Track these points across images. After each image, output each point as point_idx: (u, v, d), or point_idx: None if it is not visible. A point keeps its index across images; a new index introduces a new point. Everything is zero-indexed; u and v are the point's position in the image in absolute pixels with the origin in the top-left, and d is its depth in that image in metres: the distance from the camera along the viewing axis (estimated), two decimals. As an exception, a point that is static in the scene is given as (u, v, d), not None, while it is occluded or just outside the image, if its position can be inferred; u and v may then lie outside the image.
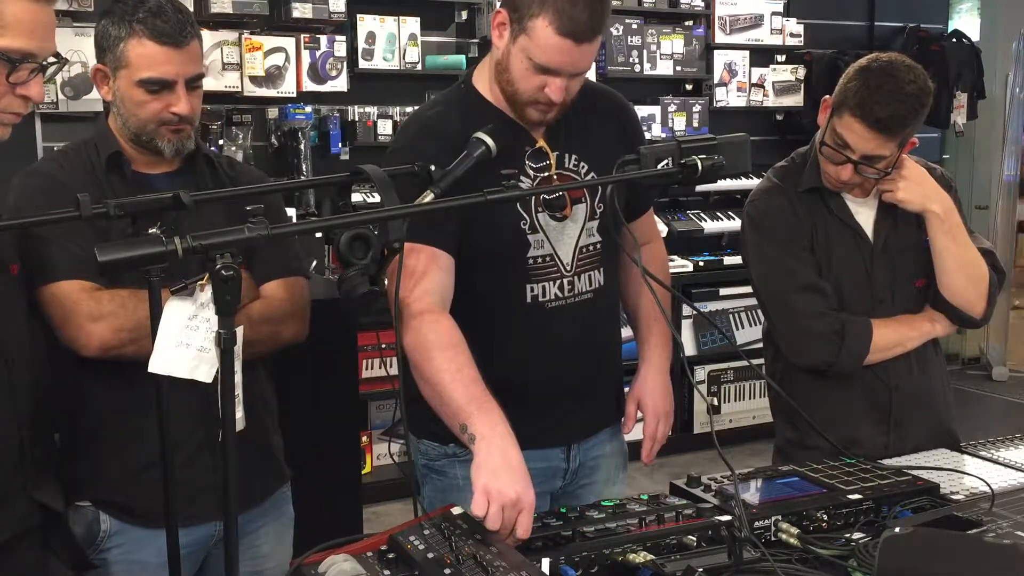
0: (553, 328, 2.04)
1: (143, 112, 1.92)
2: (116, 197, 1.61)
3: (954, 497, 1.87)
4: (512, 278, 2.01)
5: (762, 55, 6.02)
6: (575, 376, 2.08)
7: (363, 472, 4.66)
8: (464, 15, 5.22)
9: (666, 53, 5.66)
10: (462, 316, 1.85)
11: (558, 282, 2.03)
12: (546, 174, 2.02)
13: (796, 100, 6.08)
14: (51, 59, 1.62)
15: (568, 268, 2.04)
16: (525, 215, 2.00)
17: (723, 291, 5.60)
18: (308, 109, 4.78)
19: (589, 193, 2.06)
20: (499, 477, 1.61)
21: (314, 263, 4.55)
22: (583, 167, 2.06)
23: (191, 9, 4.40)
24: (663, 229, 5.52)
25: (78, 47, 4.14)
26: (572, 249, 2.04)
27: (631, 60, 5.55)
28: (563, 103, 1.93)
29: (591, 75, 2.14)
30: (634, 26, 5.54)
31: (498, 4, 1.98)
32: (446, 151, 1.87)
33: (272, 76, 4.71)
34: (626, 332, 2.26)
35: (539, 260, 2.01)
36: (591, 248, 2.07)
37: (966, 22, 7.04)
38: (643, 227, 2.25)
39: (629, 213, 2.13)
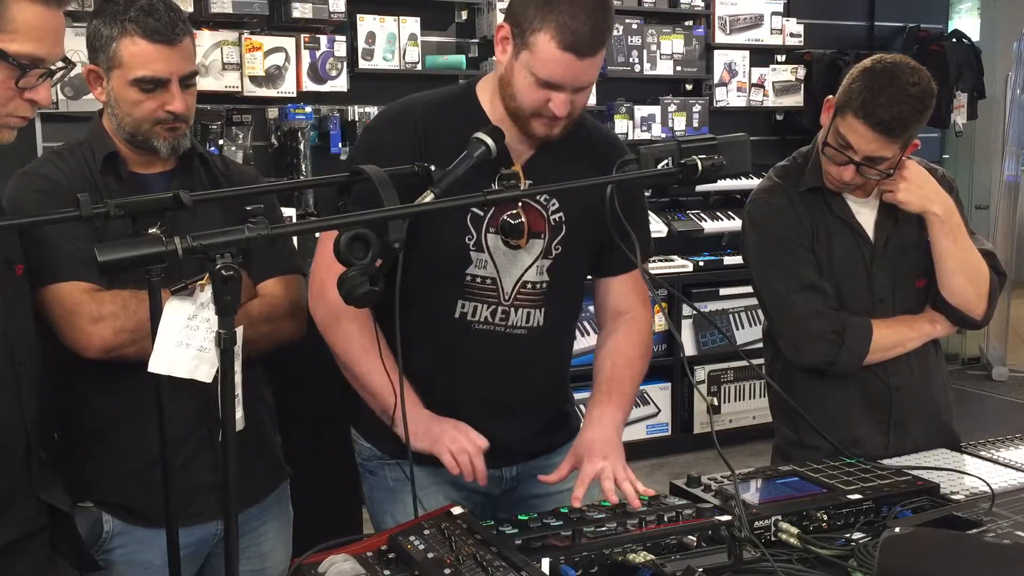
0: (476, 350, 1.99)
1: (138, 112, 1.91)
2: (112, 198, 1.60)
3: (954, 497, 1.87)
4: (444, 289, 1.97)
5: (762, 55, 6.02)
6: (499, 400, 2.02)
7: (363, 472, 4.65)
8: (464, 15, 5.22)
9: (666, 53, 5.66)
10: (390, 319, 1.78)
11: (492, 307, 1.98)
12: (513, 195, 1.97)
13: (796, 100, 6.08)
14: (59, 63, 1.61)
15: (507, 297, 1.99)
16: (473, 231, 1.95)
17: (723, 291, 5.60)
18: (308, 109, 4.78)
19: (551, 232, 2.00)
20: (435, 428, 1.88)
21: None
22: (553, 204, 2.00)
23: (191, 9, 4.45)
24: (663, 229, 5.52)
25: (78, 47, 4.12)
26: (516, 280, 1.99)
27: (631, 60, 5.55)
28: (569, 117, 1.90)
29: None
30: (634, 26, 5.54)
31: (501, 17, 1.95)
32: (409, 144, 1.91)
33: (272, 76, 4.71)
34: (583, 344, 2.15)
35: (478, 279, 1.97)
36: (536, 286, 2.01)
37: (966, 22, 7.05)
38: (618, 293, 2.11)
39: (597, 270, 2.10)
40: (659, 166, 1.69)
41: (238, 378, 1.40)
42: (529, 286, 2.00)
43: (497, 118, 1.94)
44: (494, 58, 2.02)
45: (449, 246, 1.95)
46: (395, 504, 2.02)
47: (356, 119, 4.86)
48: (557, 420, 2.17)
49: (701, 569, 1.51)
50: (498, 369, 2.01)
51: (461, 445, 1.86)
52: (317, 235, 2.04)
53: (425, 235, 1.91)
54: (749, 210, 2.35)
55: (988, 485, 1.88)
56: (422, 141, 1.93)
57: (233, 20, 4.63)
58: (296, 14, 4.68)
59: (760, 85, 5.98)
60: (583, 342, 2.13)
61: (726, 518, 1.66)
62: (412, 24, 4.97)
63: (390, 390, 1.85)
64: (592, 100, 5.30)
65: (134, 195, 1.72)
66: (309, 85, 4.76)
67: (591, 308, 2.20)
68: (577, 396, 2.20)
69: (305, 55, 4.75)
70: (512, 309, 2.00)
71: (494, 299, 1.98)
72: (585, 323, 2.15)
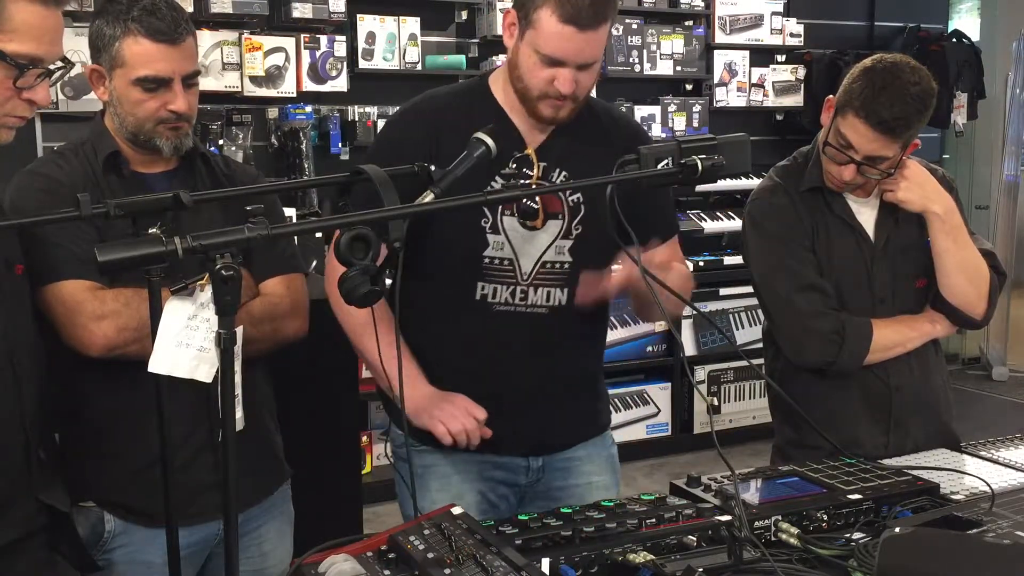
0: (498, 331, 2.02)
1: (140, 111, 1.92)
2: (114, 197, 1.61)
3: (954, 497, 1.87)
4: (463, 273, 2.01)
5: (762, 55, 6.02)
6: (525, 386, 2.04)
7: (363, 472, 4.66)
8: (464, 15, 5.22)
9: (666, 53, 5.66)
10: (409, 305, 1.80)
11: (511, 288, 2.02)
12: (525, 182, 2.01)
13: (796, 100, 6.08)
14: (57, 63, 1.61)
15: (526, 277, 2.02)
16: (488, 214, 1.99)
17: (723, 291, 5.60)
18: (308, 109, 4.79)
19: (569, 213, 2.03)
20: (430, 405, 1.95)
21: (314, 263, 4.55)
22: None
23: (191, 9, 4.45)
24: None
25: (78, 47, 4.12)
26: (535, 260, 2.02)
27: (631, 60, 5.55)
28: (575, 97, 1.94)
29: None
30: (634, 26, 5.54)
31: (501, 17, 1.99)
32: (424, 139, 1.97)
33: (272, 76, 4.71)
34: (617, 335, 2.17)
35: (495, 261, 2.00)
36: (557, 266, 2.03)
37: (966, 22, 7.05)
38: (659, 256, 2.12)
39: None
40: (659, 166, 1.69)
41: (238, 378, 1.40)
42: (549, 265, 2.04)
43: (509, 106, 2.00)
44: (495, 58, 2.06)
45: (466, 230, 1.99)
46: (419, 491, 2.03)
47: (356, 119, 4.86)
48: (584, 413, 2.19)
49: (701, 569, 1.51)
50: (520, 351, 2.03)
51: (459, 423, 1.92)
52: (318, 235, 2.05)
53: (440, 222, 1.95)
54: (749, 210, 2.35)
55: (988, 485, 1.88)
56: (436, 136, 1.98)
57: (233, 20, 4.63)
58: (296, 14, 4.69)
59: (760, 85, 5.98)
60: (612, 335, 2.13)
61: (726, 518, 1.66)
62: (412, 24, 4.97)
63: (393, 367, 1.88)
64: (592, 100, 5.31)
65: (136, 194, 1.72)
66: (309, 85, 4.77)
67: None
68: (611, 392, 2.20)
69: (305, 55, 4.75)
70: (531, 288, 2.02)
71: (512, 280, 2.02)
72: (615, 316, 2.16)
